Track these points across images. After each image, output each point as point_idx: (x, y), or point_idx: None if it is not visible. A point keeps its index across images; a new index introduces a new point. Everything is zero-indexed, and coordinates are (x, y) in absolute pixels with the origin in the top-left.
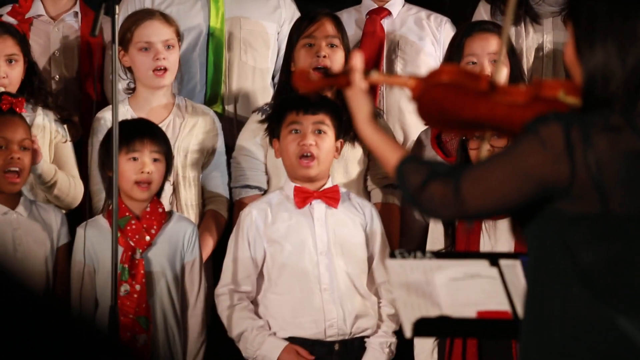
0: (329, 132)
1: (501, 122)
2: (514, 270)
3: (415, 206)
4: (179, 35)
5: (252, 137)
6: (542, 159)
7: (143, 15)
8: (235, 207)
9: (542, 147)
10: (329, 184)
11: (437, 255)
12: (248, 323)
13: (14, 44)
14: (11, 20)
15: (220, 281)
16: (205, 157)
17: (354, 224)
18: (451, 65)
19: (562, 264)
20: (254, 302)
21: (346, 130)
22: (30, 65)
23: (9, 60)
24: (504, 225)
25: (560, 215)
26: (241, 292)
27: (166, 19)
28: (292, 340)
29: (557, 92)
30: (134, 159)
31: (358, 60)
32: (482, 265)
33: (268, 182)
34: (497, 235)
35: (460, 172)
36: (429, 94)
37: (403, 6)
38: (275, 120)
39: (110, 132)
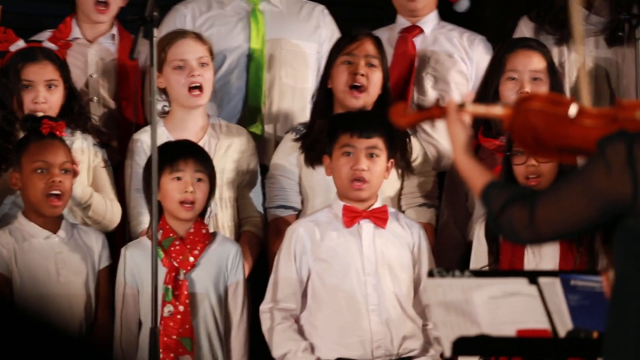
0: (382, 155)
1: (593, 146)
2: (553, 288)
3: (496, 229)
4: (212, 54)
5: (286, 157)
6: (606, 178)
7: (176, 35)
8: (269, 227)
9: (605, 166)
10: (377, 204)
11: (476, 273)
12: (292, 344)
13: (54, 69)
14: (52, 46)
15: (265, 298)
16: (240, 177)
17: (401, 244)
18: (540, 92)
19: (636, 281)
20: (299, 321)
21: (396, 151)
22: (70, 90)
23: (49, 86)
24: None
25: (630, 231)
26: (286, 309)
27: (199, 37)
28: None
29: (634, 113)
30: (178, 178)
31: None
32: (521, 284)
33: (302, 202)
34: (542, 253)
35: (537, 196)
36: (521, 122)
37: (437, 24)
38: (328, 138)
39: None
